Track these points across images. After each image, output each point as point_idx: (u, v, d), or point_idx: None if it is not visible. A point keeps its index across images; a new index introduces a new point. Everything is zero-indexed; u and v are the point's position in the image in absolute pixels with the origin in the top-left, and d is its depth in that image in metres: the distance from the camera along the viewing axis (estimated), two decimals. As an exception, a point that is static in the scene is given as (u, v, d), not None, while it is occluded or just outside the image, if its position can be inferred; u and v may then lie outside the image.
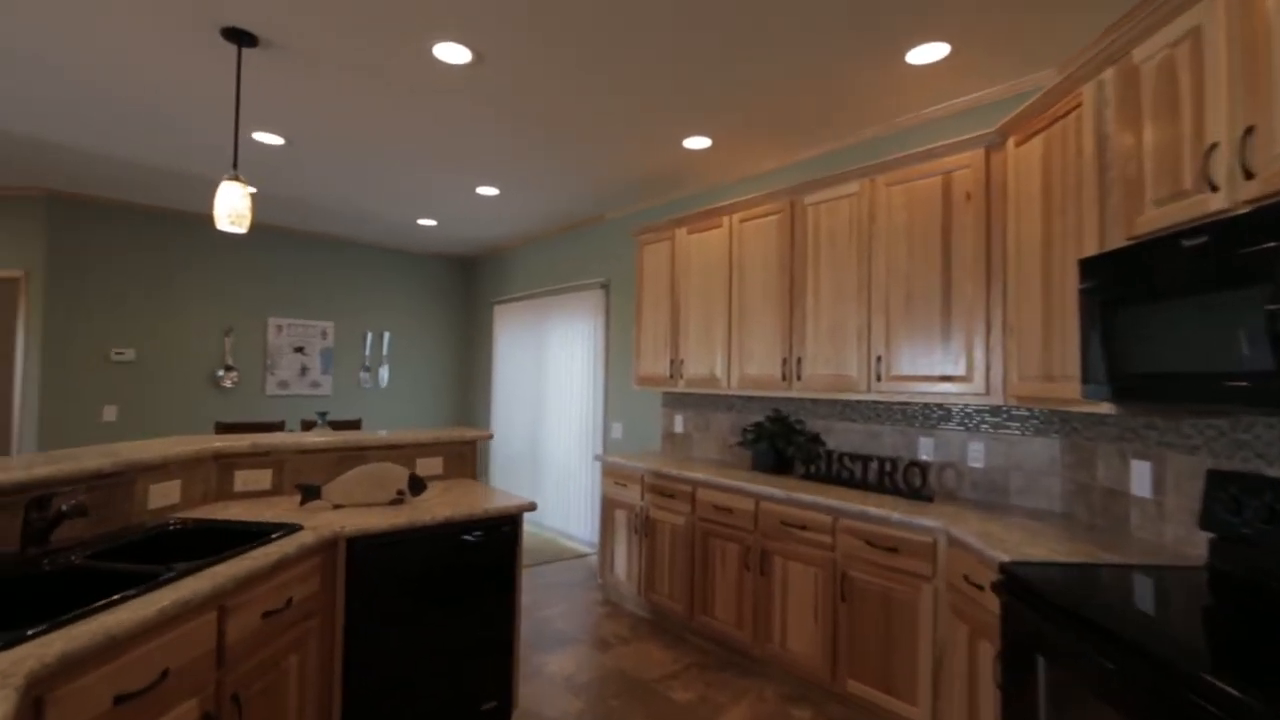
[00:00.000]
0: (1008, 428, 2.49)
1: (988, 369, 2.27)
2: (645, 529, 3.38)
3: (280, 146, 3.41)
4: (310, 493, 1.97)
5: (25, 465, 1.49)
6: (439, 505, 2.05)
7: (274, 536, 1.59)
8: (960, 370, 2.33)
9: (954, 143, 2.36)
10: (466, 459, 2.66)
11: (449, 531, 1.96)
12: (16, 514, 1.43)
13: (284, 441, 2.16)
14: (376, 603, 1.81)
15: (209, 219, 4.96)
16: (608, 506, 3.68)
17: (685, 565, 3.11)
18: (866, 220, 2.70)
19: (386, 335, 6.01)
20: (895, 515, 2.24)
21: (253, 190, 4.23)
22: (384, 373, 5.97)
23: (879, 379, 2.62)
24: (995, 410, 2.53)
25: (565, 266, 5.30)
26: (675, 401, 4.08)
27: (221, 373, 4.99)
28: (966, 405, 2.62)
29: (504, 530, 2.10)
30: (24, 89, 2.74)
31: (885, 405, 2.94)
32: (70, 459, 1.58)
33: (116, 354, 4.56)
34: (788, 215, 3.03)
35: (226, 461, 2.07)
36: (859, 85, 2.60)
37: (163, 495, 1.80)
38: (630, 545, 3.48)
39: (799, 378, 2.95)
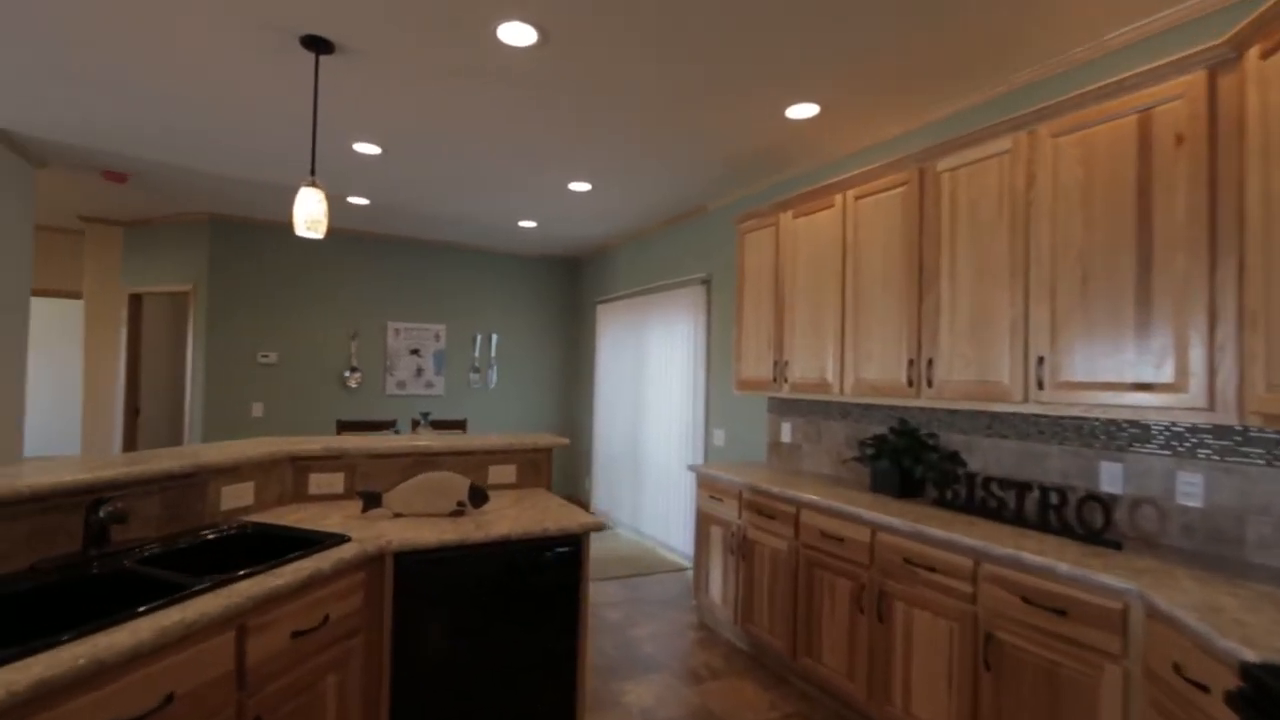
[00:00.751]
0: (1244, 455, 1.81)
1: (1211, 374, 1.63)
2: (742, 551, 3.01)
3: (379, 156, 3.52)
4: (371, 500, 1.89)
5: (96, 466, 1.52)
6: (498, 520, 1.88)
7: (319, 548, 1.49)
8: (1166, 376, 1.72)
9: (1157, 67, 1.75)
10: (541, 467, 2.49)
11: (505, 550, 1.77)
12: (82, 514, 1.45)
13: (355, 446, 2.12)
14: (425, 623, 1.66)
15: (334, 231, 5.38)
16: (702, 522, 3.36)
17: (787, 597, 2.70)
18: (1022, 184, 2.13)
19: (495, 337, 6.17)
20: (1063, 566, 1.69)
21: (365, 202, 4.47)
22: (492, 374, 6.13)
23: (1041, 386, 2.04)
24: (1223, 431, 1.85)
25: (665, 262, 5.06)
26: (782, 407, 3.65)
27: (348, 373, 5.38)
28: (1175, 423, 1.96)
29: (566, 551, 1.88)
30: (174, 127, 3.04)
31: (1050, 419, 2.32)
32: (141, 460, 1.60)
33: (262, 357, 5.08)
34: (915, 186, 2.51)
35: (301, 464, 2.06)
36: (1008, 14, 2.05)
37: (235, 497, 1.81)
38: (726, 567, 3.14)
39: (929, 384, 2.43)
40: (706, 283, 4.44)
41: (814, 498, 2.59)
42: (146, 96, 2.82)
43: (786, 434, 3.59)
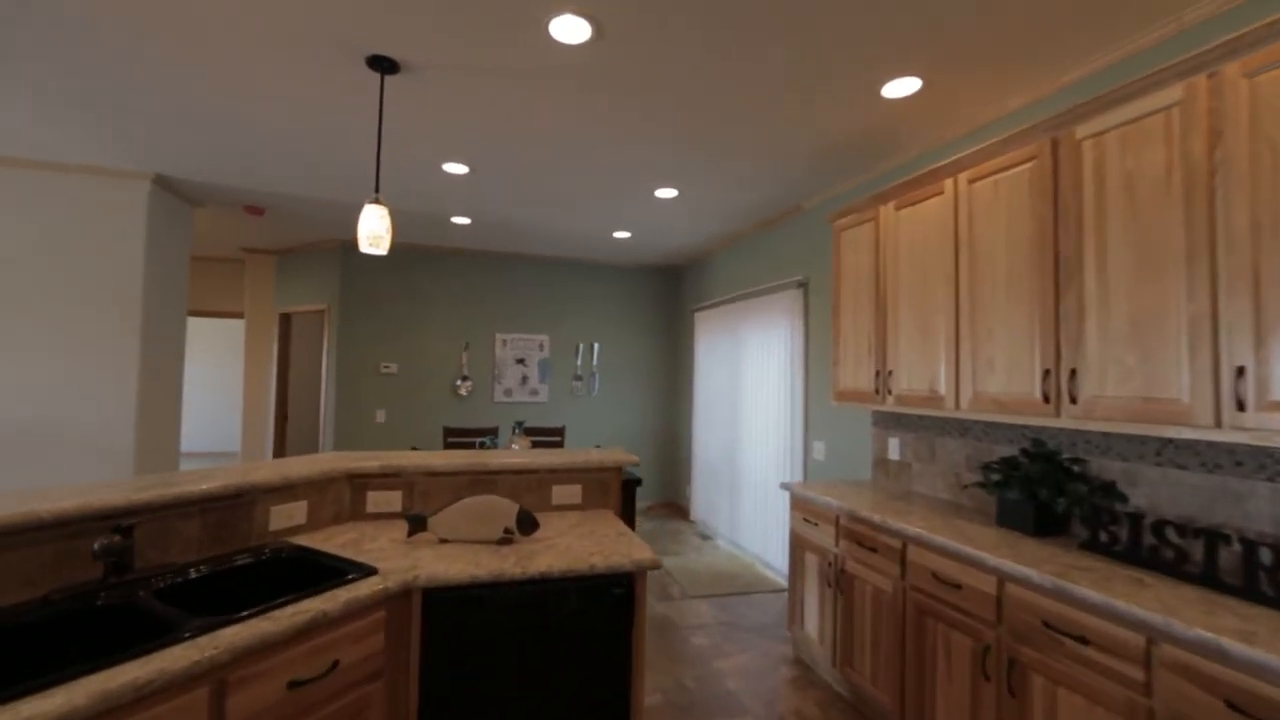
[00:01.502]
0: None
1: None
2: (840, 585, 2.67)
3: (467, 175, 3.62)
4: (417, 524, 1.87)
5: (130, 489, 1.50)
6: (543, 553, 1.77)
7: (334, 584, 1.44)
8: None
9: None
10: (609, 487, 2.36)
11: (545, 589, 1.65)
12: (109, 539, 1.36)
13: (412, 462, 2.13)
14: (456, 667, 1.58)
15: (447, 251, 5.70)
16: (796, 546, 3.04)
17: (893, 644, 2.33)
18: (1201, 144, 1.62)
19: (596, 346, 6.20)
20: None
21: (466, 221, 4.67)
22: (595, 382, 6.17)
23: (1242, 407, 1.53)
24: None
25: (761, 266, 4.75)
26: (888, 421, 3.22)
27: (459, 382, 5.69)
28: None
29: (615, 592, 1.72)
30: (297, 160, 3.35)
31: (1253, 448, 1.76)
32: (180, 482, 1.62)
33: (384, 367, 5.52)
34: (1047, 160, 2.04)
35: (359, 482, 2.11)
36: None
37: (286, 517, 1.86)
38: (822, 600, 2.80)
39: (1073, 400, 1.95)
40: (803, 286, 4.08)
41: (922, 532, 2.20)
42: (269, 137, 3.13)
43: (894, 450, 3.16)
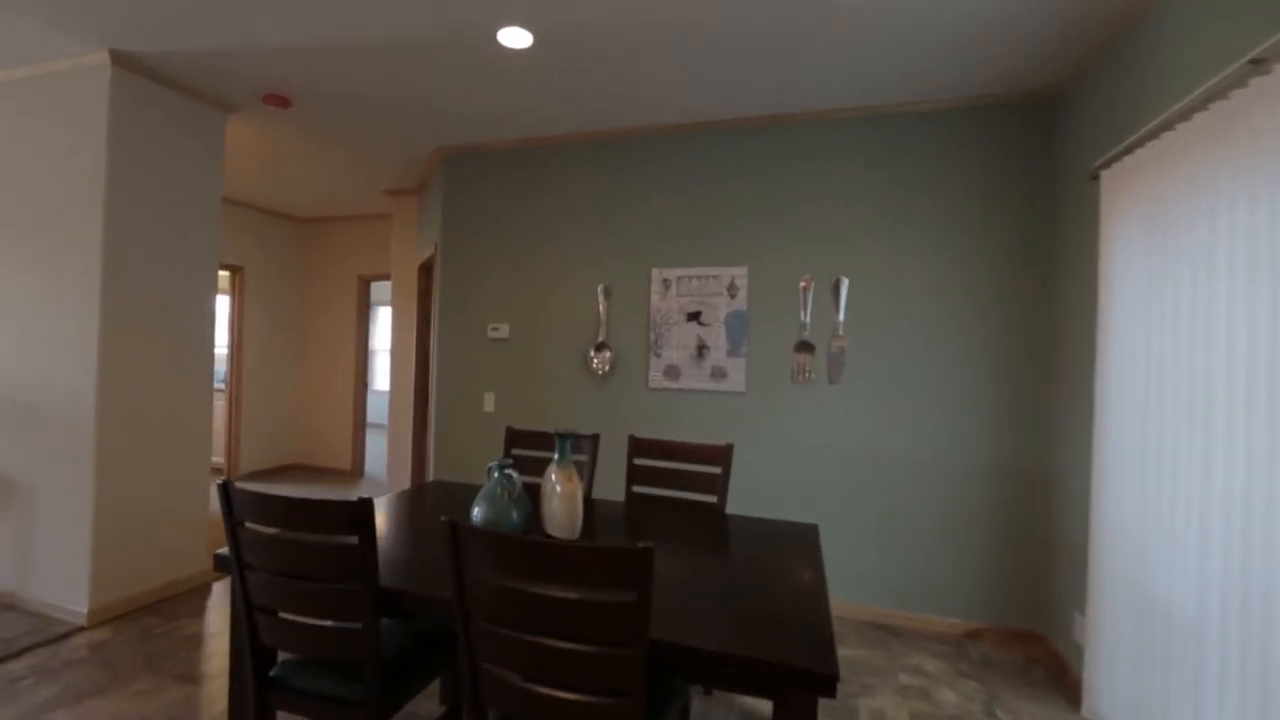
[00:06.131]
0: None
1: None
2: None
3: None
4: None
5: None
6: None
7: None
8: None
9: None
10: None
11: None
12: None
13: None
14: None
15: (573, 138, 3.50)
16: None
17: None
18: None
19: (845, 285, 3.19)
20: None
21: (527, 40, 2.37)
22: (838, 353, 3.18)
23: None
24: None
25: None
26: None
27: (593, 353, 3.51)
28: None
29: None
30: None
31: None
32: None
33: (492, 330, 3.73)
34: None
35: None
36: None
37: None
38: None
39: None
40: None
41: None
42: None
43: None
